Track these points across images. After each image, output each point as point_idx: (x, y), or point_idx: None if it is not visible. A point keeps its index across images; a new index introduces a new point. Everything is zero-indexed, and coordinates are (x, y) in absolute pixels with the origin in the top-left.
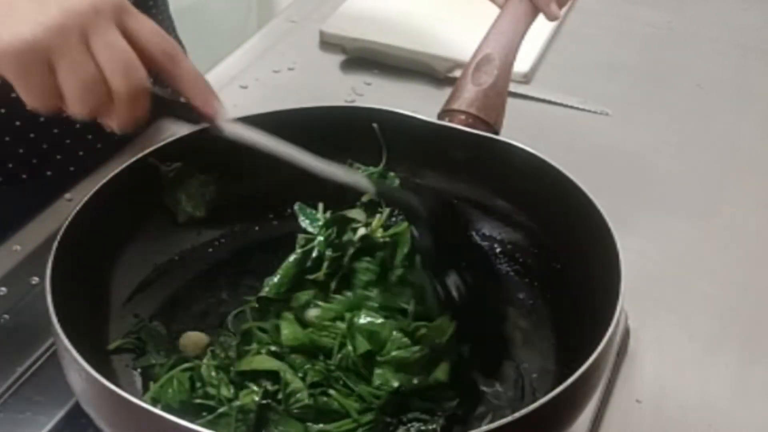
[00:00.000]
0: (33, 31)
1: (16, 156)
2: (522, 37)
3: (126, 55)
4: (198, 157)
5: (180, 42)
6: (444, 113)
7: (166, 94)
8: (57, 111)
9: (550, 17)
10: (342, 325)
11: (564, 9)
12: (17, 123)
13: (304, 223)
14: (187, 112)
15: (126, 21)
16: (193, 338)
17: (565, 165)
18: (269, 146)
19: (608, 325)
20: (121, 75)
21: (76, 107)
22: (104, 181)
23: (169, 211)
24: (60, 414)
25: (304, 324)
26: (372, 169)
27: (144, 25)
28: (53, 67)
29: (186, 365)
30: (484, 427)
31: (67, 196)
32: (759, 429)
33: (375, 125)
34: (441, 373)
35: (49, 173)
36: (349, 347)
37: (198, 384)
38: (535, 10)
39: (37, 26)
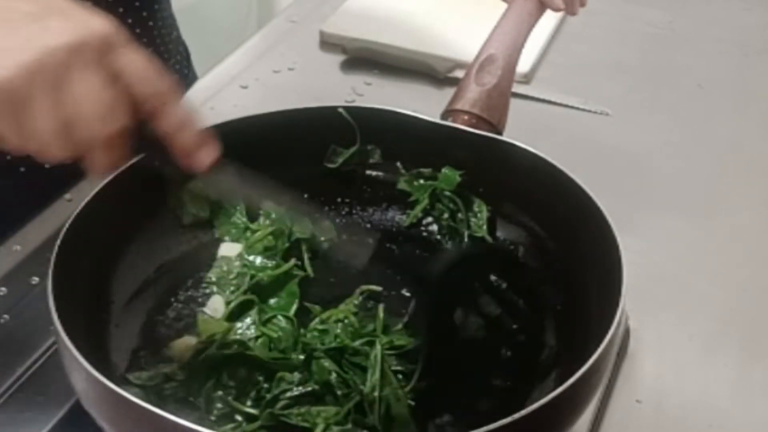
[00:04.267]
0: (8, 69)
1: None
2: (526, 37)
3: (105, 101)
4: None
5: (184, 43)
6: (447, 113)
7: (151, 135)
8: (35, 153)
9: (554, 8)
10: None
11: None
12: None
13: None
14: (170, 158)
15: (114, 59)
16: (181, 345)
17: (566, 165)
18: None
19: (610, 325)
20: (98, 122)
21: (52, 152)
22: (106, 180)
23: (172, 212)
24: (60, 414)
25: None
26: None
27: (133, 63)
28: (28, 110)
29: None
30: (485, 428)
31: (67, 196)
32: (759, 429)
33: (341, 109)
34: None
35: (46, 166)
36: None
37: None
38: (538, 11)
39: (13, 65)
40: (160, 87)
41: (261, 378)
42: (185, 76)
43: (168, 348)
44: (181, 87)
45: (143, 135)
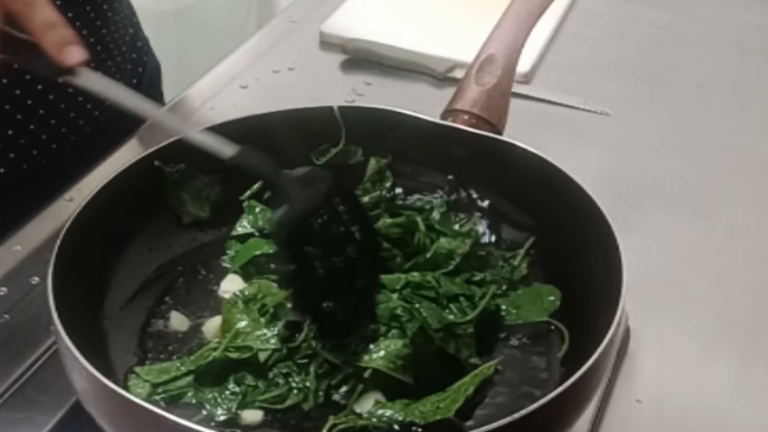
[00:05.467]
0: None
1: (18, 146)
2: (526, 37)
3: None
4: (202, 158)
5: (146, 41)
6: (447, 113)
7: (21, 34)
8: None
9: None
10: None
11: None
12: (18, 116)
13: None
14: (42, 57)
15: None
16: (215, 323)
17: (566, 165)
18: (127, 102)
19: (610, 325)
20: None
21: None
22: (106, 181)
23: (172, 212)
24: (60, 414)
25: None
26: (334, 150)
27: None
28: None
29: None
30: (485, 428)
31: (67, 196)
32: (759, 429)
33: (338, 110)
34: None
35: (44, 161)
36: None
37: None
38: (539, 11)
39: None
40: None
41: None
42: (144, 63)
43: (202, 330)
44: (138, 73)
45: (10, 35)
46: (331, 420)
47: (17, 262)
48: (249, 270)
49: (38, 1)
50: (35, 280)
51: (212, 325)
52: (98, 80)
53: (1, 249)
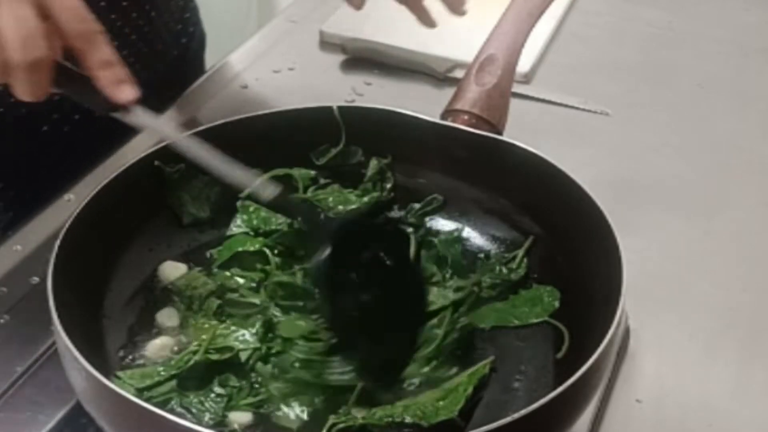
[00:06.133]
0: None
1: (62, 109)
2: (526, 37)
3: (28, 28)
4: None
5: (195, 10)
6: (447, 113)
7: (76, 69)
8: None
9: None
10: None
11: None
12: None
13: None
14: (95, 93)
15: None
16: (157, 345)
17: (566, 165)
18: (177, 143)
19: (610, 325)
20: (19, 47)
21: None
22: (106, 180)
23: (172, 212)
24: (60, 414)
25: None
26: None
27: (63, 2)
28: None
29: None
30: (485, 428)
31: (67, 196)
32: (759, 429)
33: (338, 109)
34: None
35: (83, 126)
36: None
37: None
38: (539, 11)
39: None
40: (86, 27)
41: (255, 382)
42: (191, 33)
43: (145, 350)
44: (182, 45)
45: (66, 70)
46: (331, 419)
47: (17, 262)
48: (231, 265)
49: (98, 40)
50: (35, 280)
51: (154, 346)
52: (146, 118)
53: (1, 249)
